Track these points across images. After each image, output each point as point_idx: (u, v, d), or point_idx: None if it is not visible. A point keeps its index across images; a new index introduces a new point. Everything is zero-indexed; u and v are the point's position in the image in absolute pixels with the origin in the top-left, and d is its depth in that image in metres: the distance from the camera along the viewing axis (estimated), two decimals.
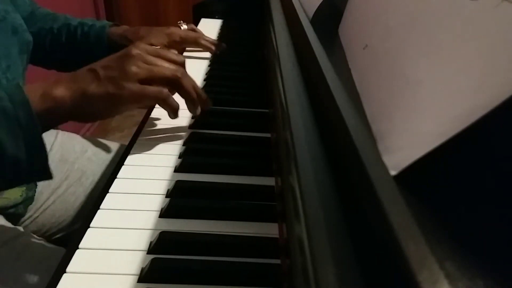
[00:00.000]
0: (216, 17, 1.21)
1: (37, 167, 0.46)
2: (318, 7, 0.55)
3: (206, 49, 0.88)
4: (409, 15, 0.29)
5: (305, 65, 0.45)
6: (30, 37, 0.66)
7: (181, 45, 0.86)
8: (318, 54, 0.40)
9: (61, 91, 0.46)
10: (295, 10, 0.59)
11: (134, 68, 0.48)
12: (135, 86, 0.48)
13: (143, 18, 1.86)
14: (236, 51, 0.95)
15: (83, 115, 0.49)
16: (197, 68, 0.83)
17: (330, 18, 0.53)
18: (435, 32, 0.25)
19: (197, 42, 0.87)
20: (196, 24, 1.15)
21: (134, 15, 1.85)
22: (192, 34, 0.88)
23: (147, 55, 0.50)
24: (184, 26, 0.92)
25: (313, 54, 0.40)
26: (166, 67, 0.51)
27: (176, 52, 0.56)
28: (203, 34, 0.91)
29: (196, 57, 0.89)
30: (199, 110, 0.56)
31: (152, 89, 0.49)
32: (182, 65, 0.55)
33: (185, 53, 0.90)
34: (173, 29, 0.84)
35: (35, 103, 0.44)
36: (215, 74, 0.79)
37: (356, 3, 0.44)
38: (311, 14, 0.55)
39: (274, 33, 0.62)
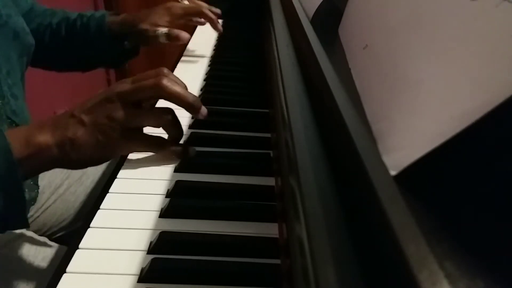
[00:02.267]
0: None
1: (14, 218, 0.43)
2: (318, 7, 0.55)
3: (209, 20, 0.83)
4: (409, 15, 0.29)
5: (305, 65, 0.45)
6: (32, 40, 0.66)
7: (185, 17, 0.81)
8: (318, 54, 0.40)
9: (45, 138, 0.43)
10: (295, 10, 0.59)
11: (120, 113, 0.44)
12: (126, 135, 0.45)
13: None
14: (236, 51, 0.95)
15: (69, 163, 0.46)
16: (197, 68, 0.83)
17: (330, 18, 0.53)
18: (435, 32, 0.25)
19: (201, 12, 0.82)
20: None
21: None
22: (194, 5, 0.83)
23: (128, 94, 0.45)
24: (185, 1, 0.88)
25: (313, 54, 0.40)
26: (147, 82, 0.46)
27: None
28: (205, 5, 0.86)
29: (196, 56, 0.89)
30: (203, 111, 0.50)
31: (145, 138, 0.47)
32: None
33: (184, 57, 0.89)
34: (171, 3, 0.80)
35: (17, 149, 0.41)
36: (215, 74, 0.79)
37: (356, 3, 0.44)
38: (311, 14, 0.55)
39: (274, 33, 0.62)
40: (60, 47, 0.78)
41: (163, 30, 0.74)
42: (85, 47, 0.78)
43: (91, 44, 0.77)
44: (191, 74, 0.80)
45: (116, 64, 0.85)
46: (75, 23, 0.77)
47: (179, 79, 0.49)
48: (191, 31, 1.00)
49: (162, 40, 0.74)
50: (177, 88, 0.46)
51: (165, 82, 0.45)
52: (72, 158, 0.44)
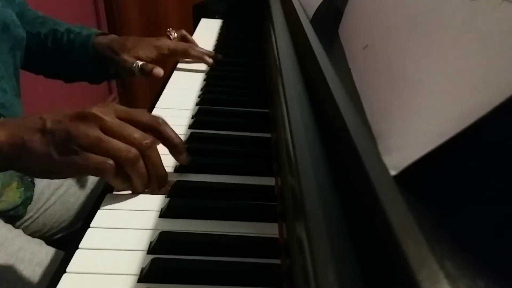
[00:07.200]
0: (216, 17, 1.21)
1: None
2: (318, 7, 0.55)
3: (198, 59, 0.81)
4: (409, 15, 0.29)
5: (305, 65, 0.45)
6: (23, 33, 0.65)
7: (171, 57, 0.80)
8: (318, 54, 0.40)
9: (0, 136, 0.39)
10: (295, 10, 0.59)
11: (81, 131, 0.39)
12: (77, 157, 0.39)
13: (143, 17, 1.86)
14: (236, 51, 0.95)
15: (23, 167, 0.42)
16: (197, 67, 0.83)
17: (330, 18, 0.53)
18: (435, 32, 0.25)
19: (187, 53, 0.80)
20: (196, 24, 1.14)
21: (134, 14, 1.85)
22: (181, 45, 0.81)
23: (109, 120, 0.40)
24: (174, 34, 0.86)
25: (313, 54, 0.40)
26: (121, 145, 0.40)
27: (149, 115, 0.44)
28: (194, 43, 0.85)
29: None
30: (183, 157, 0.46)
31: (94, 160, 0.39)
32: (156, 127, 0.44)
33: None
34: (162, 41, 0.79)
35: None
36: (215, 74, 0.79)
37: (356, 3, 0.44)
38: (311, 14, 0.55)
39: (274, 33, 0.62)
40: (45, 57, 0.77)
41: (139, 63, 0.73)
42: (68, 62, 0.77)
43: (74, 61, 0.76)
44: (191, 73, 0.80)
45: (98, 82, 0.84)
46: (62, 37, 0.76)
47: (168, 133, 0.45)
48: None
49: (137, 74, 0.73)
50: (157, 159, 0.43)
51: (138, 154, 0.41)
52: (23, 163, 0.41)
